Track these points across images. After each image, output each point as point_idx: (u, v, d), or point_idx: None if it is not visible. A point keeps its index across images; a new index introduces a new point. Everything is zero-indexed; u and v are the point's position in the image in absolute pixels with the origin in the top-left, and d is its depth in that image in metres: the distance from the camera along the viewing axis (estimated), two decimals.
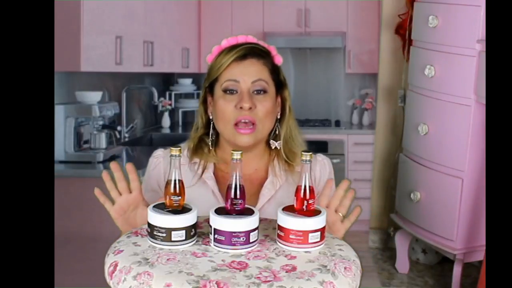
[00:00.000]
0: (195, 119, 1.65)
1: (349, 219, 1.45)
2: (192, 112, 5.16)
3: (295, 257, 1.22)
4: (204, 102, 1.61)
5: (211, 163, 1.58)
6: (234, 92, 1.52)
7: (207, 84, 1.58)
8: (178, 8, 4.77)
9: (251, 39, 1.60)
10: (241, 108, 1.49)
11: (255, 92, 1.52)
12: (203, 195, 1.52)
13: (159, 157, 1.62)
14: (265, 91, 1.53)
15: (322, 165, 1.63)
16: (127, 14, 3.69)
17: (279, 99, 1.60)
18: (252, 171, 1.58)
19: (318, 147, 4.61)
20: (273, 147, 1.59)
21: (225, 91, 1.52)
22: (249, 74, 1.52)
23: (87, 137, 3.17)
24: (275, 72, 1.58)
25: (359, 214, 1.46)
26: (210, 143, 1.58)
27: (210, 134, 1.58)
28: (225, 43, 1.57)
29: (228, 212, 1.25)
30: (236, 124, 1.50)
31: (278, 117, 1.59)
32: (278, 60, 1.60)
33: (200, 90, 1.66)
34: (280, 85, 1.59)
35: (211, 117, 1.58)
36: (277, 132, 1.59)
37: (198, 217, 1.27)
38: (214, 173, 1.58)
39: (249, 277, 1.11)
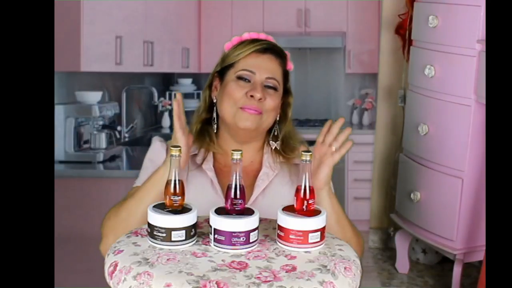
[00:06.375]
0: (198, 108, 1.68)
1: (339, 152, 1.46)
2: (193, 112, 5.14)
3: (295, 257, 1.22)
4: (209, 87, 1.64)
5: (210, 155, 1.60)
6: (247, 81, 1.55)
7: (218, 68, 1.62)
8: (178, 8, 4.76)
9: (271, 39, 1.65)
10: (251, 96, 1.53)
11: (266, 87, 1.56)
12: (200, 184, 1.55)
13: (163, 142, 1.65)
14: (275, 89, 1.58)
15: None
16: (127, 14, 3.69)
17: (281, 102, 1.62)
18: (247, 163, 1.60)
19: None
20: (273, 148, 1.62)
21: (239, 78, 1.55)
22: (265, 68, 1.57)
23: (87, 137, 3.17)
24: (286, 76, 1.64)
25: (349, 148, 1.47)
26: (214, 127, 1.61)
27: (213, 118, 1.61)
28: (247, 35, 1.62)
29: (228, 212, 1.25)
30: (242, 108, 1.53)
31: (277, 118, 1.61)
32: (290, 66, 1.66)
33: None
34: (286, 90, 1.64)
35: (214, 100, 1.61)
36: (275, 133, 1.62)
37: (198, 217, 1.27)
38: (213, 165, 1.59)
39: (249, 277, 1.11)
